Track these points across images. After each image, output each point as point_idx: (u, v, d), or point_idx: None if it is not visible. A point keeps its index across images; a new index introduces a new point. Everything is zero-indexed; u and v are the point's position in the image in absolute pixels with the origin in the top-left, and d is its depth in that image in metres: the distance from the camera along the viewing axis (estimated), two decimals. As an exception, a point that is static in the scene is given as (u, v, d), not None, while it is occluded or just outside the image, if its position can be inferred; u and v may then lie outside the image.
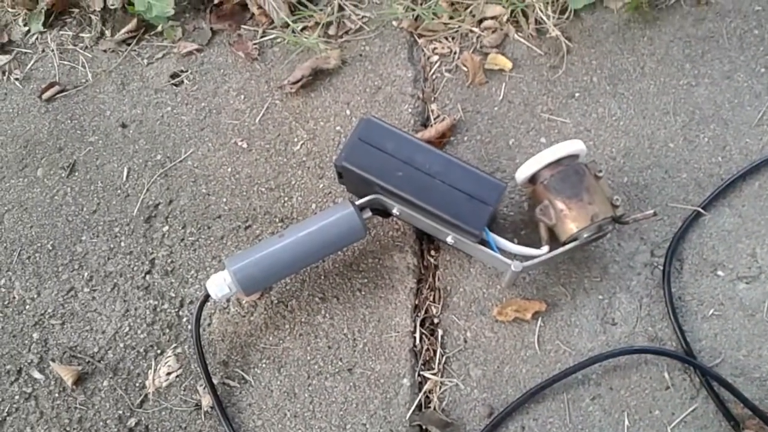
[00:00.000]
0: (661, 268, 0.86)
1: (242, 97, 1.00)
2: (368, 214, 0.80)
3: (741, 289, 0.85)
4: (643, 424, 0.79)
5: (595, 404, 0.80)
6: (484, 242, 0.80)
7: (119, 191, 0.94)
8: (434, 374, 0.83)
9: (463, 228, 0.78)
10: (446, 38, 1.04)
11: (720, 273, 0.86)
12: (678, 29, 1.03)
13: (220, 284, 0.77)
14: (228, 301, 0.86)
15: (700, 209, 0.89)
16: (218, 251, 0.89)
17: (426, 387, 0.82)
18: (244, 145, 0.96)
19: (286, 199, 0.92)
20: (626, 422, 0.79)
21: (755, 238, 0.88)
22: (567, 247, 0.80)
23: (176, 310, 0.86)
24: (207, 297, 0.78)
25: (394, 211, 0.80)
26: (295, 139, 0.96)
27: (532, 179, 0.83)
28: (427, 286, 0.89)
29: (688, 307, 0.85)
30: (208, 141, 0.97)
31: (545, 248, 0.81)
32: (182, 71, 1.03)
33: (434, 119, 0.98)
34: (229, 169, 0.95)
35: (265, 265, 0.77)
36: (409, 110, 0.98)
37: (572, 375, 0.80)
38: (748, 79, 0.99)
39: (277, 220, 0.91)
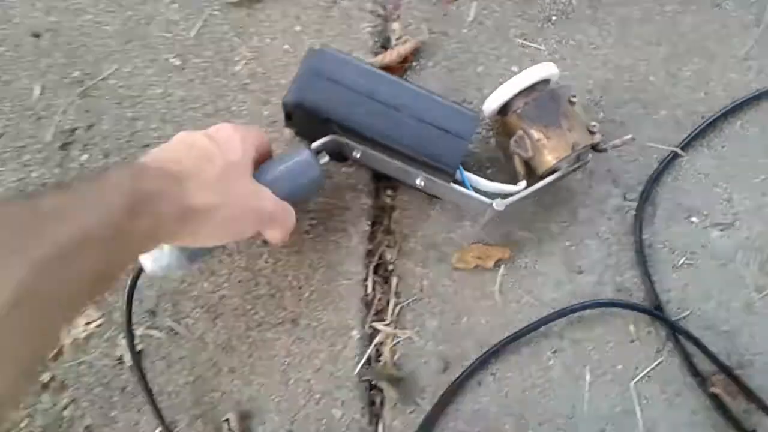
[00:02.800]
0: (633, 212, 0.83)
1: (176, 5, 0.90)
2: (325, 158, 0.72)
3: (715, 237, 0.83)
4: (606, 379, 0.77)
5: (557, 358, 0.78)
6: (458, 181, 0.74)
7: (30, 113, 0.84)
8: (386, 325, 0.79)
9: (436, 166, 0.72)
10: (410, -53, 0.95)
11: (694, 219, 0.83)
12: (666, -51, 0.96)
13: (158, 255, 0.64)
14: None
15: (677, 150, 0.85)
16: (146, 184, 0.82)
17: (377, 339, 0.78)
18: (177, 63, 0.87)
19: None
20: (588, 377, 0.77)
21: (733, 182, 0.85)
22: (547, 180, 0.76)
23: (99, 249, 0.79)
24: (140, 272, 0.67)
25: (354, 153, 0.72)
26: (237, 58, 0.88)
27: (503, 109, 0.77)
28: (382, 230, 0.84)
29: (659, 255, 0.82)
30: (135, 57, 0.87)
31: (522, 183, 0.76)
32: (105, -27, 0.92)
33: (396, 40, 0.90)
34: (159, 90, 0.86)
35: None
36: (368, 29, 0.90)
37: (534, 331, 0.77)
38: (738, 9, 0.94)
39: (215, 150, 0.83)
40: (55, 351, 0.75)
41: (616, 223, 0.83)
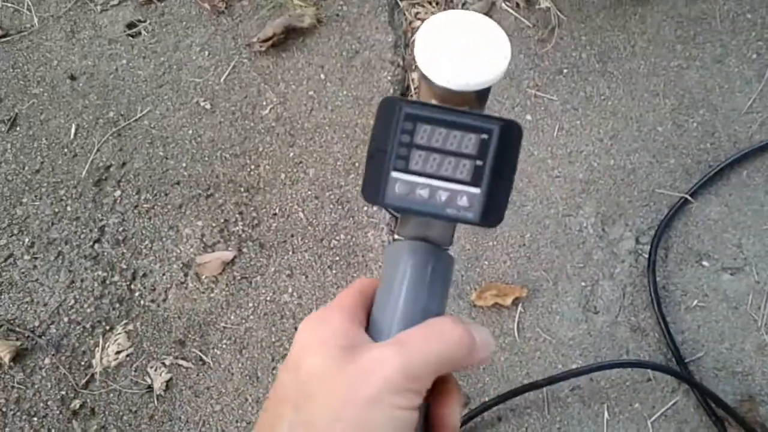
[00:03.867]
0: (646, 256, 0.87)
1: (206, 53, 0.96)
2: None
3: (725, 281, 0.86)
4: (623, 417, 0.80)
5: (575, 395, 0.80)
6: None
7: (66, 150, 0.89)
8: (408, 360, 0.81)
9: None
10: (430, 2, 1.02)
11: (705, 263, 0.87)
12: (670, 8, 1.03)
13: None
14: (186, 275, 0.83)
15: (687, 196, 0.90)
16: (176, 220, 0.86)
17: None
18: (207, 106, 0.93)
19: (252, 167, 0.89)
20: (606, 415, 0.80)
21: (741, 229, 0.89)
22: None
23: (128, 283, 0.83)
24: None
25: None
26: (264, 103, 0.93)
27: None
28: (401, 267, 0.87)
29: (672, 297, 0.86)
30: (167, 99, 0.93)
31: None
32: (140, 21, 0.98)
33: (414, 89, 0.96)
34: (190, 132, 0.91)
35: None
36: (389, 78, 0.95)
37: (557, 383, 0.80)
38: (739, 65, 1.00)
39: (242, 189, 0.88)
40: (86, 379, 0.78)
41: (629, 266, 0.87)
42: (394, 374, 0.34)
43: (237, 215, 0.86)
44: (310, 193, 0.87)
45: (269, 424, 0.37)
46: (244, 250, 0.84)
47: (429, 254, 0.41)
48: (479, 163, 0.37)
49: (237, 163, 0.89)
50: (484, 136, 0.37)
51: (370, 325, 0.40)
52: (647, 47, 1.00)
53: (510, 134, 0.37)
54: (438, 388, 0.38)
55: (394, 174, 0.38)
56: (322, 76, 0.95)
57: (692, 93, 0.98)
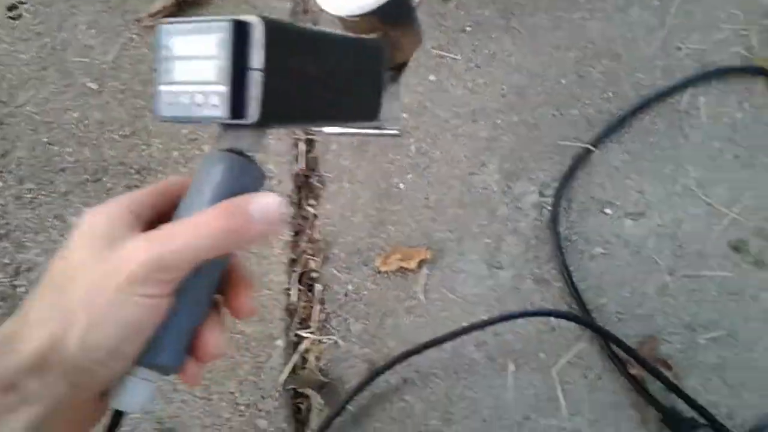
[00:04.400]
0: (550, 208, 0.87)
1: (93, 31, 0.93)
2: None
3: (628, 226, 0.87)
4: (529, 369, 0.80)
5: (480, 352, 0.80)
6: None
7: (-55, 142, 0.86)
8: (311, 333, 0.80)
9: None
10: (323, -33, 1.00)
11: (608, 211, 0.87)
12: (572, -40, 1.03)
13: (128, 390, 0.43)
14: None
15: (589, 146, 0.90)
16: (61, 209, 0.83)
17: (301, 347, 0.80)
18: (95, 87, 0.90)
19: (143, 147, 0.87)
20: (511, 367, 0.80)
21: (643, 175, 0.89)
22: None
23: (10, 279, 0.80)
24: (120, 416, 0.44)
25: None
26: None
27: None
28: (305, 239, 0.86)
29: (575, 246, 0.86)
30: (51, 83, 0.90)
31: None
32: (21, 2, 0.95)
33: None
34: (76, 115, 0.88)
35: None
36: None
37: (458, 337, 0.79)
38: (642, 13, 1.00)
39: (133, 171, 0.86)
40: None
41: (533, 219, 0.87)
42: (140, 266, 0.38)
43: (129, 197, 0.84)
44: (204, 169, 0.85)
45: (36, 307, 0.40)
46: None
47: (233, 163, 0.43)
48: (221, 62, 0.39)
49: (127, 144, 0.87)
50: (221, 35, 0.39)
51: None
52: (550, 1, 0.99)
53: (244, 30, 0.39)
54: (228, 277, 0.43)
55: (162, 87, 0.41)
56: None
57: (595, 44, 0.98)
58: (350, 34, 0.60)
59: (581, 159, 0.90)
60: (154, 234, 0.40)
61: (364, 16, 0.64)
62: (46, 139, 0.86)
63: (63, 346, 0.39)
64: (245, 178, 0.44)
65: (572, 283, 0.82)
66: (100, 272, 0.39)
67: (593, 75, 0.96)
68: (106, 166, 0.85)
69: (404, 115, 0.86)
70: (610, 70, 0.96)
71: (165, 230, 0.40)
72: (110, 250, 0.40)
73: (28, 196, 0.83)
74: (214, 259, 0.42)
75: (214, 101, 0.41)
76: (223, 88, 0.40)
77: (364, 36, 0.60)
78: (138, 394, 0.44)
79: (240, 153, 0.46)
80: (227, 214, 0.40)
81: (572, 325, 0.81)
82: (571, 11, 1.00)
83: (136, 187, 0.85)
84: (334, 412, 0.75)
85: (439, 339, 0.78)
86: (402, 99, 0.69)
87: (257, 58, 0.40)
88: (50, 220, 0.83)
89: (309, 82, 0.48)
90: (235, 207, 0.40)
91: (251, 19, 0.40)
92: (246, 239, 0.41)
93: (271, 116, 0.44)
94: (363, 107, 0.56)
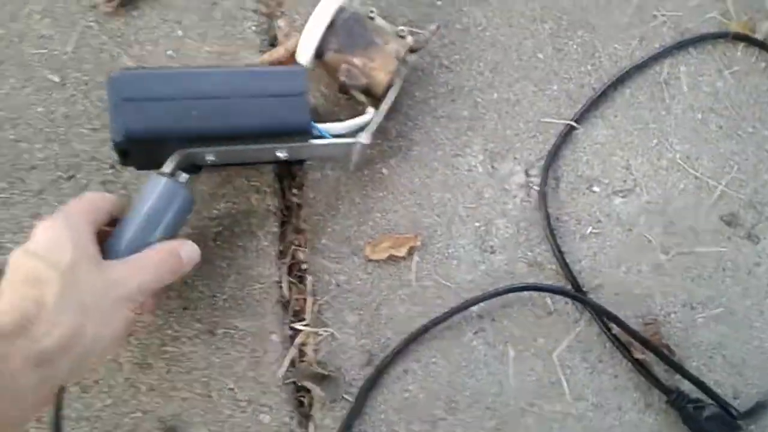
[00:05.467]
0: (537, 188, 0.87)
1: (48, 20, 0.88)
2: (184, 176, 0.70)
3: (617, 204, 0.88)
4: (528, 354, 0.81)
5: (479, 338, 0.81)
6: (315, 136, 0.76)
7: None
8: (306, 325, 0.80)
9: (290, 130, 0.73)
10: (289, -57, 0.96)
11: (596, 189, 0.88)
12: (541, -72, 1.01)
13: None
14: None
15: (572, 123, 0.90)
16: (37, 208, 0.80)
17: (298, 340, 0.79)
18: (56, 79, 0.85)
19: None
20: (511, 353, 0.81)
21: (629, 150, 0.90)
22: (390, 96, 0.81)
23: (-9, 282, 0.77)
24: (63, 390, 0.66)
25: (207, 158, 0.72)
26: (120, 68, 0.86)
27: (318, 53, 0.80)
28: (291, 229, 0.85)
29: (566, 227, 0.87)
30: (11, 76, 0.85)
31: (371, 109, 0.80)
32: (-33, -9, 0.89)
33: (283, 37, 0.91)
34: (41, 109, 0.84)
35: None
36: (253, 28, 0.90)
37: (454, 316, 0.80)
38: (614, -21, 0.99)
39: (107, 166, 0.82)
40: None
41: (521, 200, 0.87)
42: (134, 288, 0.59)
43: (104, 195, 0.81)
44: (182, 161, 0.82)
45: (56, 295, 0.52)
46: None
47: (164, 185, 0.68)
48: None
49: (97, 138, 0.83)
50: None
51: (113, 236, 0.64)
52: (521, -29, 0.98)
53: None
54: None
55: None
56: (180, 32, 0.89)
57: (570, 14, 0.97)
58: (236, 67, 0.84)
59: (565, 136, 0.90)
60: (132, 264, 0.61)
61: (317, 61, 0.74)
62: (12, 136, 0.82)
63: (82, 336, 0.53)
64: (173, 198, 0.68)
65: (566, 264, 0.83)
66: (100, 283, 0.56)
67: (570, 47, 0.95)
68: (79, 162, 0.82)
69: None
70: (586, 42, 0.96)
71: (136, 262, 0.61)
72: (106, 268, 0.58)
73: (1, 196, 0.80)
74: None
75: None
76: None
77: (275, 67, 0.82)
78: None
79: (171, 175, 0.68)
80: (170, 255, 0.64)
81: (570, 307, 0.82)
82: (542, -20, 0.99)
83: (111, 182, 0.82)
84: (350, 411, 0.76)
85: (436, 320, 0.79)
86: (381, 118, 0.73)
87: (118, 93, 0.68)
88: (27, 219, 0.79)
89: (171, 106, 0.69)
90: (171, 250, 0.65)
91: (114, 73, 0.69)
92: (177, 274, 0.65)
93: (135, 134, 0.68)
94: (287, 126, 0.73)
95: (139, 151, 0.71)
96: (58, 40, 0.87)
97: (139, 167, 0.77)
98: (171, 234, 0.69)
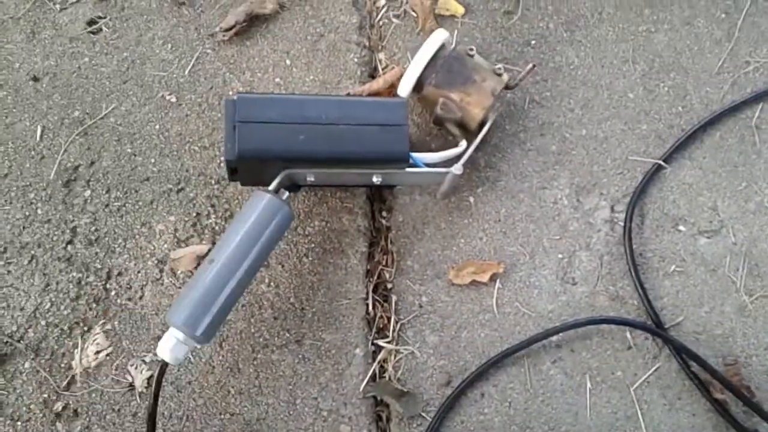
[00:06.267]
0: (622, 224, 0.88)
1: (169, 46, 0.96)
2: (285, 194, 0.77)
3: (702, 244, 0.88)
4: (606, 386, 0.81)
5: (557, 367, 0.82)
6: (410, 165, 0.80)
7: (33, 152, 0.89)
8: (388, 342, 0.83)
9: (389, 159, 0.78)
10: (393, -19, 1.02)
11: (681, 228, 0.88)
12: (636, -27, 1.04)
13: (174, 347, 0.69)
14: (161, 272, 0.84)
15: (660, 162, 0.91)
16: (148, 217, 0.86)
17: (380, 356, 0.82)
18: (173, 99, 0.93)
19: (222, 158, 0.90)
20: (588, 384, 0.81)
21: (716, 191, 0.90)
22: (484, 130, 0.85)
23: (103, 282, 0.83)
24: (165, 366, 0.71)
25: (308, 178, 0.78)
26: (230, 92, 0.93)
27: (417, 87, 0.85)
28: (379, 250, 0.88)
29: (650, 263, 0.87)
30: (132, 95, 0.93)
31: (463, 142, 0.85)
32: (100, 17, 0.98)
33: (382, 69, 0.97)
34: (157, 126, 0.91)
35: (211, 301, 0.70)
36: (355, 60, 0.96)
37: (534, 344, 0.82)
38: (708, 25, 1.00)
39: (213, 181, 0.88)
40: (67, 380, 0.79)
41: (606, 234, 0.88)
42: None
43: (209, 208, 0.87)
44: (281, 181, 0.88)
45: None
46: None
47: (265, 201, 0.74)
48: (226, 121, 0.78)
49: (206, 155, 0.90)
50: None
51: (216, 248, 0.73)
52: (615, 13, 1.01)
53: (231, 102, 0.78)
54: None
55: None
56: (288, 61, 0.95)
57: (662, 57, 0.98)
58: (344, 97, 0.89)
59: (652, 175, 0.91)
60: None
61: (415, 94, 0.79)
62: (130, 150, 0.90)
63: None
64: (275, 213, 0.74)
65: (648, 300, 0.83)
66: None
67: (661, 89, 0.97)
68: (188, 176, 0.88)
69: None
70: (678, 84, 0.97)
71: None
72: None
73: (116, 204, 0.87)
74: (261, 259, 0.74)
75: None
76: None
77: (379, 98, 0.87)
78: (174, 350, 0.69)
79: (275, 192, 0.75)
80: None
81: (650, 343, 0.82)
82: (636, 23, 1.01)
83: (216, 197, 0.88)
84: (427, 429, 0.79)
85: (516, 347, 0.80)
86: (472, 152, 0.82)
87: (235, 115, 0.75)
88: (137, 227, 0.86)
89: (281, 129, 0.76)
90: None
91: (234, 96, 0.76)
92: None
93: (246, 153, 0.75)
94: (387, 155, 0.78)
95: (247, 168, 0.77)
96: (177, 64, 0.95)
97: (244, 183, 0.83)
98: (270, 247, 0.74)
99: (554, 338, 0.83)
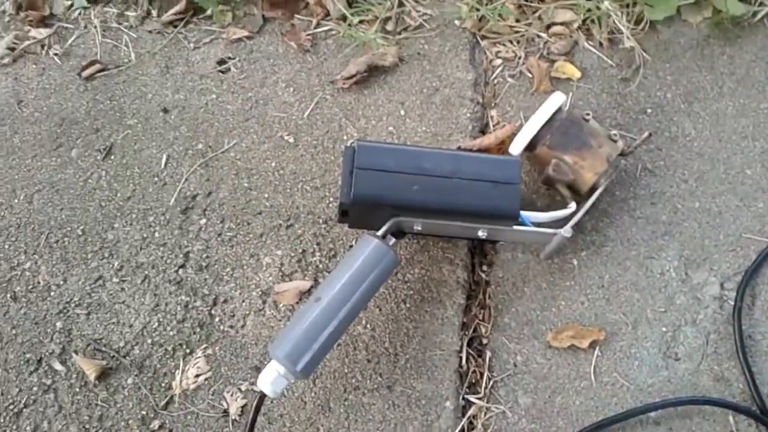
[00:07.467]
0: (731, 302, 0.85)
1: (291, 89, 1.01)
2: (392, 240, 0.78)
3: (819, 333, 0.83)
4: (705, 471, 0.77)
5: (654, 445, 0.79)
6: (518, 222, 0.80)
7: (156, 179, 0.94)
8: (480, 398, 0.82)
9: (499, 215, 0.79)
10: (511, 42, 1.04)
11: (796, 313, 0.84)
12: (760, 49, 1.02)
13: (275, 379, 0.71)
14: (264, 303, 0.86)
15: (777, 243, 0.87)
16: (257, 249, 0.89)
17: (470, 412, 0.81)
18: (291, 140, 0.97)
19: (331, 199, 0.92)
20: (686, 467, 0.77)
21: (837, 279, 0.86)
22: (595, 195, 0.85)
23: (209, 308, 0.86)
24: (263, 398, 0.73)
25: (415, 227, 0.79)
26: (345, 137, 0.96)
27: (530, 146, 0.86)
28: (476, 303, 0.88)
29: (759, 346, 0.83)
30: (253, 133, 0.97)
31: (572, 204, 0.84)
32: (230, 58, 1.04)
33: (494, 126, 0.98)
34: (273, 164, 0.95)
35: (314, 338, 0.71)
36: (468, 115, 0.97)
37: (632, 418, 0.79)
38: (835, 107, 0.97)
39: (321, 221, 0.91)
40: (165, 400, 0.81)
41: (714, 312, 0.85)
42: None
43: (315, 246, 0.89)
44: (386, 226, 0.89)
45: None
46: (320, 280, 0.86)
47: (371, 246, 0.76)
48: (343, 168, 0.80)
49: (317, 195, 0.93)
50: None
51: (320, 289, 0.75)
52: (736, 88, 0.99)
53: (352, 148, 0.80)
54: None
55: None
56: (402, 112, 0.98)
57: (784, 136, 0.95)
58: (460, 152, 0.87)
59: (767, 255, 0.87)
60: None
61: (525, 152, 0.79)
62: (246, 184, 0.93)
63: None
64: (382, 258, 0.75)
65: (755, 384, 0.79)
66: None
67: (780, 168, 0.93)
68: (298, 213, 0.91)
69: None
70: (798, 165, 0.93)
71: None
72: None
73: (228, 234, 0.90)
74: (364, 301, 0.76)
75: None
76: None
77: (492, 155, 0.89)
78: (274, 383, 0.71)
79: (382, 237, 0.77)
80: None
81: (753, 430, 0.78)
82: (757, 100, 0.98)
83: (323, 236, 0.90)
84: None
85: (614, 418, 0.78)
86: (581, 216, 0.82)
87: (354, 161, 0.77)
88: (246, 258, 0.89)
89: (396, 178, 0.77)
90: None
91: (354, 143, 0.78)
92: None
93: (361, 198, 0.76)
94: (497, 211, 0.79)
95: (358, 212, 0.79)
96: (297, 106, 0.99)
97: (351, 226, 0.85)
98: (373, 290, 0.76)
99: (653, 414, 0.79)
